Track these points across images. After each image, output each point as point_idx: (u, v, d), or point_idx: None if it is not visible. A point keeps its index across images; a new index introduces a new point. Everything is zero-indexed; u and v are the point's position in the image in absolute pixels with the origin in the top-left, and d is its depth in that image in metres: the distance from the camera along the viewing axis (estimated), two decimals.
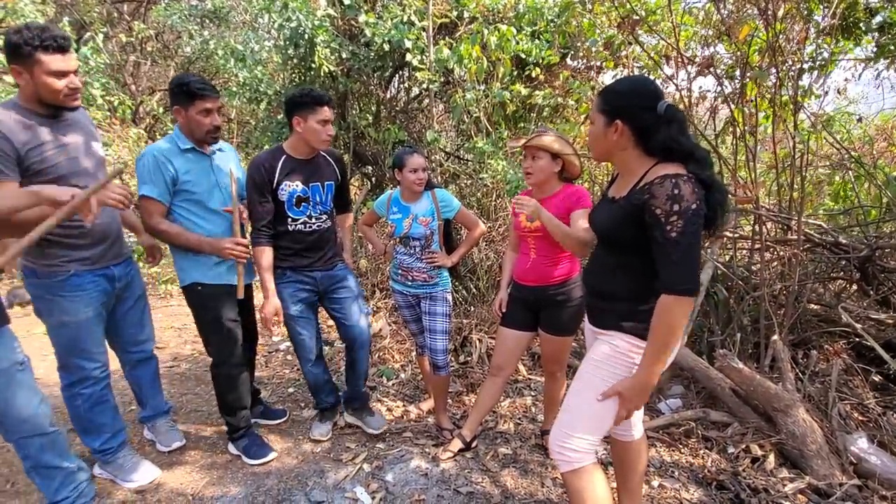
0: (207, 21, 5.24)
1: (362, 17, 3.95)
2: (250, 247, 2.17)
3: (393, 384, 3.13)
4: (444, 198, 2.43)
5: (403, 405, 2.86)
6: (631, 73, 3.68)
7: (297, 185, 2.18)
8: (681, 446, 2.42)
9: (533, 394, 2.97)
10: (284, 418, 2.66)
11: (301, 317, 2.33)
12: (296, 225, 2.23)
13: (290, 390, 3.05)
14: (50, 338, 1.94)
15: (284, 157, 2.18)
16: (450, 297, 2.50)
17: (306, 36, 3.96)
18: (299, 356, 2.42)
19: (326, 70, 4.09)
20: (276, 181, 2.15)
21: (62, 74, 1.69)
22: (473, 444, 2.42)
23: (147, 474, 2.16)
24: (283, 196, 2.17)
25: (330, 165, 2.32)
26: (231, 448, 2.36)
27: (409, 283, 2.46)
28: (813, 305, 3.22)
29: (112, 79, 5.85)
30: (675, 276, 1.28)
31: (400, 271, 2.47)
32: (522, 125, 4.27)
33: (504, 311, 2.30)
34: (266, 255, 2.18)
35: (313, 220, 2.25)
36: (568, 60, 4.29)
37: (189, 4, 5.11)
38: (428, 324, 2.47)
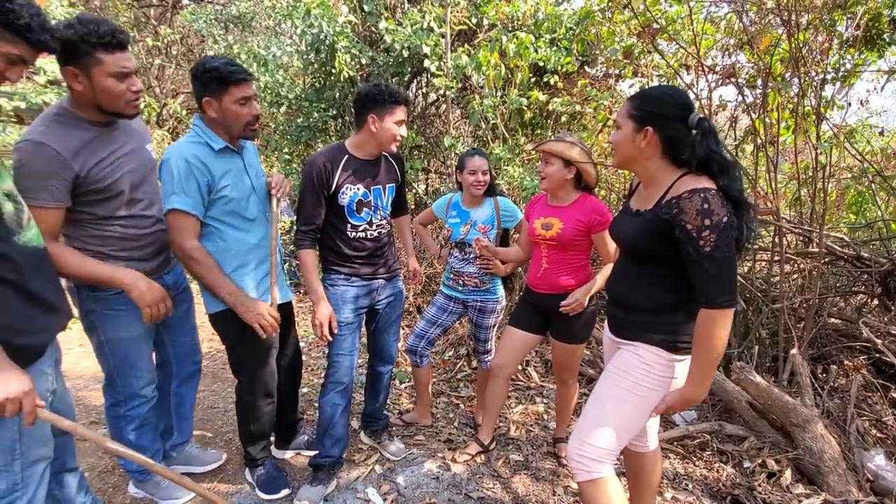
0: (231, 26, 5.36)
1: (382, 24, 4.01)
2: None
3: (405, 387, 3.15)
4: (508, 207, 2.38)
5: (415, 407, 2.87)
6: (650, 82, 3.67)
7: (358, 189, 1.96)
8: (695, 459, 2.40)
9: (545, 401, 2.96)
10: None
11: (350, 325, 2.06)
12: (356, 232, 2.00)
13: (304, 390, 3.08)
14: (98, 355, 1.81)
15: (347, 157, 1.95)
16: (500, 307, 2.47)
17: (327, 42, 4.03)
18: (328, 378, 2.10)
19: (346, 75, 4.15)
20: (335, 184, 1.92)
21: (124, 76, 1.49)
22: (491, 447, 2.42)
23: (185, 491, 2.06)
24: (344, 200, 1.95)
25: (391, 166, 2.10)
26: (247, 475, 2.21)
27: (461, 289, 2.43)
28: (833, 319, 3.16)
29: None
30: (713, 290, 1.27)
31: (452, 275, 2.46)
32: (539, 132, 4.28)
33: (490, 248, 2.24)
34: (311, 257, 1.97)
35: (374, 227, 2.03)
36: (586, 68, 4.29)
37: (214, 9, 5.23)
38: (476, 333, 2.53)
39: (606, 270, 2.05)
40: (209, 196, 1.73)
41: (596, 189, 2.22)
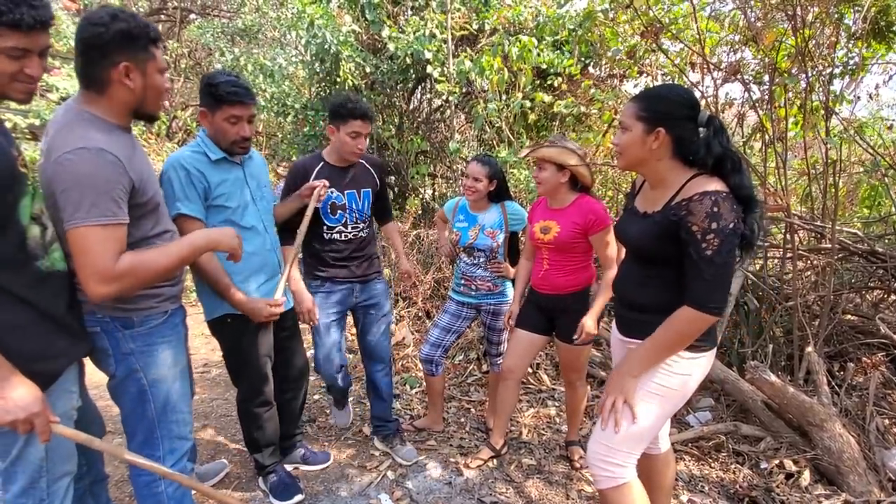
0: (238, 38, 5.45)
1: (385, 32, 4.04)
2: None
3: (416, 392, 3.15)
4: (515, 210, 2.38)
5: (427, 413, 2.87)
6: (654, 81, 3.66)
7: (332, 192, 2.14)
8: (710, 460, 2.36)
9: (556, 404, 2.94)
10: (328, 462, 2.38)
11: (328, 329, 2.26)
12: (331, 233, 2.18)
13: (315, 397, 3.10)
14: (132, 413, 1.49)
15: (322, 163, 2.17)
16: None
17: (332, 51, 4.08)
18: (323, 368, 2.31)
19: (351, 84, 4.19)
20: None
21: (164, 71, 1.36)
22: (503, 452, 2.41)
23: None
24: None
25: (368, 172, 2.27)
26: (260, 483, 2.19)
27: (473, 294, 2.43)
28: (849, 316, 3.11)
29: None
30: (705, 294, 1.27)
31: (463, 281, 2.44)
32: (544, 134, 4.28)
33: (515, 321, 2.28)
34: (288, 252, 2.05)
35: (349, 229, 2.20)
36: (590, 69, 4.29)
37: (221, 22, 5.32)
38: (489, 336, 2.52)
39: (608, 278, 2.01)
40: (205, 203, 1.78)
41: (603, 190, 2.22)
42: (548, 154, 2.01)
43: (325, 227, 2.17)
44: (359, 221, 2.21)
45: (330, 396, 2.77)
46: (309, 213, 1.96)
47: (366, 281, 2.29)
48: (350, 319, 2.47)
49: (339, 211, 2.17)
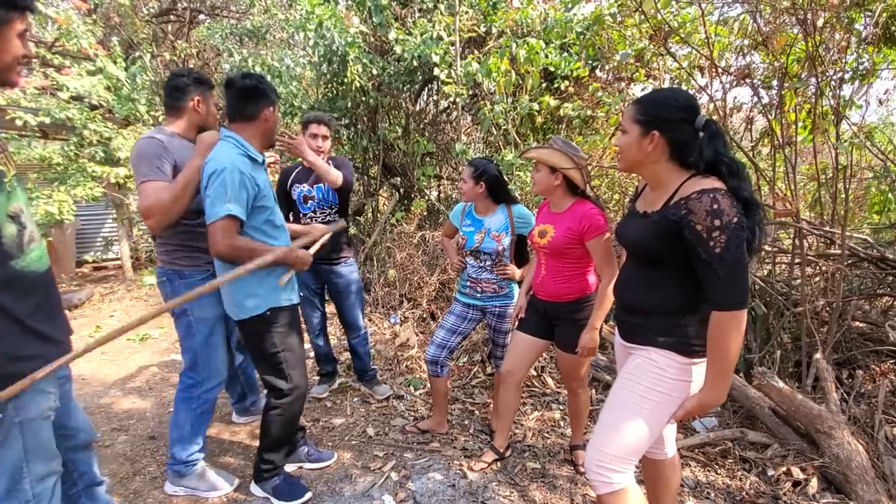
0: (246, 39, 5.47)
1: (392, 34, 4.05)
2: None
3: (420, 394, 3.14)
4: (522, 214, 2.38)
5: (430, 415, 2.86)
6: (661, 85, 3.64)
7: (304, 187, 2.71)
8: (717, 467, 2.34)
9: (561, 408, 2.93)
10: (332, 459, 2.38)
11: (307, 300, 2.83)
12: (305, 219, 2.70)
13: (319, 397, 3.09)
14: (185, 340, 2.07)
15: (300, 167, 2.76)
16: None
17: (339, 52, 4.09)
18: (308, 331, 2.85)
19: (358, 85, 4.20)
20: (289, 184, 2.73)
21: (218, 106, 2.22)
22: (507, 454, 2.40)
23: (225, 483, 2.15)
24: (295, 195, 2.72)
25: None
26: (256, 490, 2.12)
27: (479, 295, 2.43)
28: (858, 323, 3.08)
29: (156, 95, 6.15)
30: (725, 292, 1.25)
31: (468, 282, 2.45)
32: (551, 137, 4.27)
33: (521, 316, 2.26)
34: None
35: (318, 215, 2.71)
36: (598, 72, 4.28)
37: (229, 23, 5.35)
38: (494, 338, 2.51)
39: (605, 287, 1.94)
40: (252, 204, 1.79)
41: (609, 193, 2.20)
42: (539, 155, 2.04)
43: (301, 215, 2.70)
44: (326, 208, 2.73)
45: (330, 400, 2.90)
46: (323, 240, 2.19)
47: (333, 263, 2.79)
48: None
49: (310, 201, 2.71)
